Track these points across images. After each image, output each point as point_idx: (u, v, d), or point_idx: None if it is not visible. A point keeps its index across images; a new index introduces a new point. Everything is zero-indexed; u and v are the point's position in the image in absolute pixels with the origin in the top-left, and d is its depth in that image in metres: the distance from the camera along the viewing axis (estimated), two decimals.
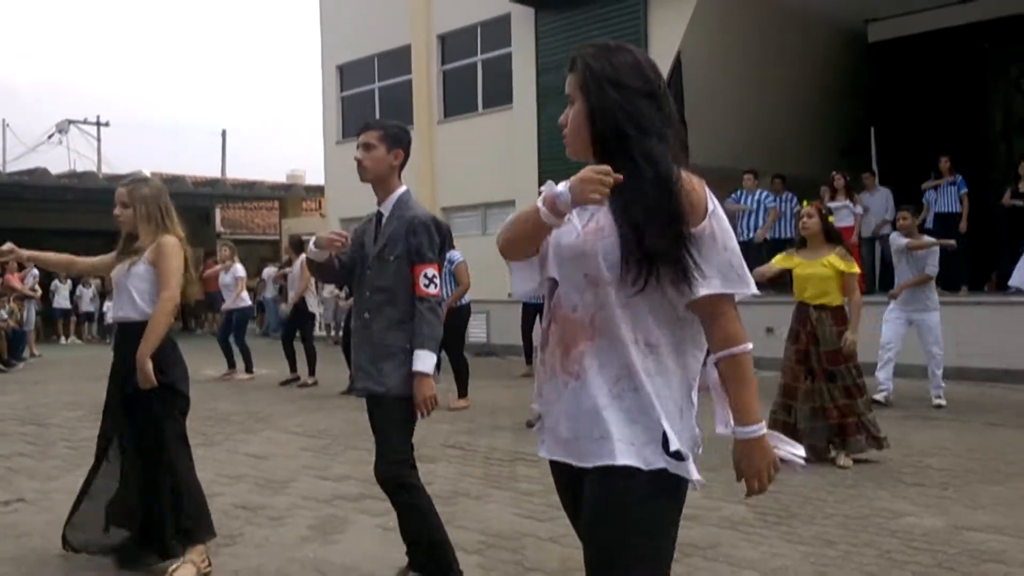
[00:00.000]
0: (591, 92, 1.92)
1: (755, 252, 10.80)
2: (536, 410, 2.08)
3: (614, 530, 1.86)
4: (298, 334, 10.97)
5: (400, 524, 3.42)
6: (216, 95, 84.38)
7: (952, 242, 8.19)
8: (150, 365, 3.69)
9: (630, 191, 1.83)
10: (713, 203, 1.89)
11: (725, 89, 13.01)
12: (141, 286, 3.84)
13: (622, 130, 1.88)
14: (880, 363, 8.15)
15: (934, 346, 8.03)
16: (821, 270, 5.85)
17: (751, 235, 11.77)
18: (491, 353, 13.86)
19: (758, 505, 4.71)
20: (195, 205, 22.73)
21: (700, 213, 1.86)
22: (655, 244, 1.80)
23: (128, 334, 3.83)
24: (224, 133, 34.02)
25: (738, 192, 12.22)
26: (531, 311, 10.79)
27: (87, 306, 20.11)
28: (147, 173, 12.45)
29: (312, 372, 10.70)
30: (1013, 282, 9.70)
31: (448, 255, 8.15)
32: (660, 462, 1.86)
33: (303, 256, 10.93)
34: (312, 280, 10.91)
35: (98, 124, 33.94)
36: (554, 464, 2.06)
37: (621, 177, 1.82)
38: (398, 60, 17.67)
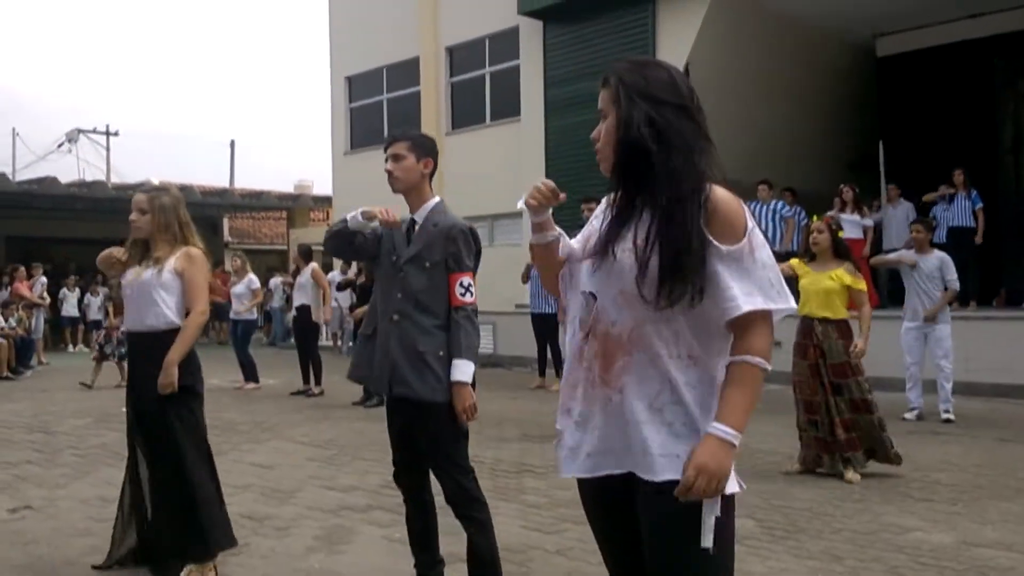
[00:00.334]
0: (622, 105, 1.91)
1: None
2: (559, 429, 2.05)
3: (672, 547, 1.86)
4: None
5: (470, 544, 3.33)
6: (225, 106, 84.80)
7: (912, 261, 7.90)
8: (176, 371, 3.72)
9: (650, 212, 1.85)
10: (752, 221, 1.89)
11: (734, 102, 13.02)
12: (168, 296, 3.84)
13: (645, 144, 1.86)
14: (908, 383, 8.17)
15: (943, 359, 8.01)
16: (828, 283, 5.84)
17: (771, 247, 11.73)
18: (497, 364, 13.85)
19: (766, 520, 4.69)
20: (203, 215, 22.81)
21: (738, 231, 1.86)
22: (673, 263, 1.80)
23: (149, 344, 3.82)
24: (233, 143, 34.31)
25: (754, 203, 12.19)
26: (541, 321, 10.81)
27: (95, 314, 20.11)
28: (156, 182, 12.48)
29: (318, 382, 10.71)
30: None
31: None
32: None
33: (312, 264, 11.03)
34: (324, 290, 10.96)
35: (107, 133, 34.13)
36: (586, 481, 2.02)
37: (563, 196, 1.96)
38: (407, 72, 17.76)
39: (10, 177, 22.15)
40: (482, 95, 16.62)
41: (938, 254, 8.04)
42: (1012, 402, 9.13)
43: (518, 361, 13.39)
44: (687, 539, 1.84)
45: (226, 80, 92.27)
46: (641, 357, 1.89)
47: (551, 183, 2.03)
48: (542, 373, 11.15)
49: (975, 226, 11.25)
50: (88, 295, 19.94)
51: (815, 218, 6.43)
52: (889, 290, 11.49)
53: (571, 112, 14.04)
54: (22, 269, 15.63)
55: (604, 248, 1.94)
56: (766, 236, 7.70)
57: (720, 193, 1.87)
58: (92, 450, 7.07)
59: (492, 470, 6.13)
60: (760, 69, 13.60)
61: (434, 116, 16.70)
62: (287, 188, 26.74)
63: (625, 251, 1.88)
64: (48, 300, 16.30)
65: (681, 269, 1.81)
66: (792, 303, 1.90)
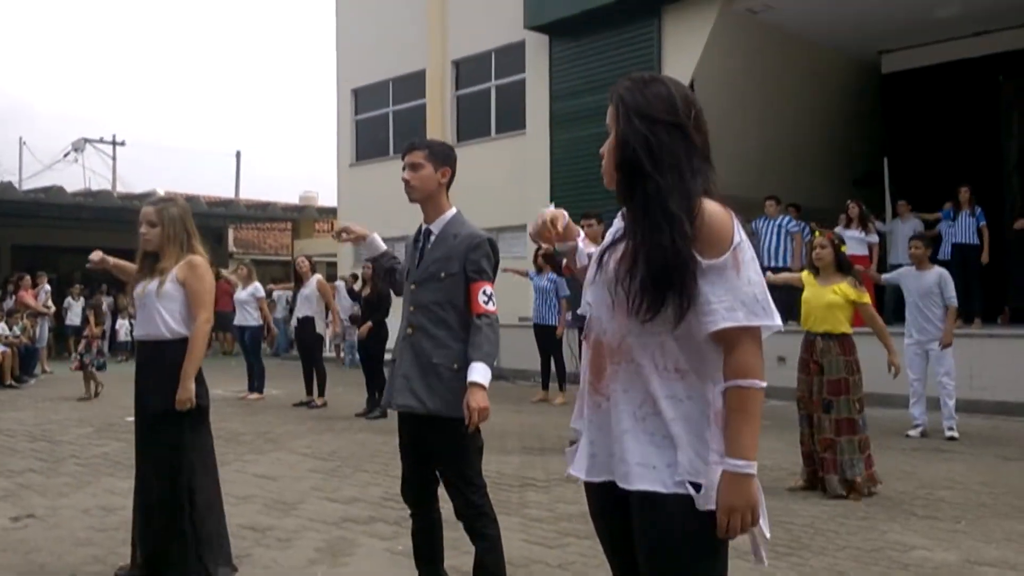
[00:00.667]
0: (620, 123, 1.97)
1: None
2: (576, 429, 2.10)
3: (657, 557, 1.89)
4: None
5: (478, 561, 3.28)
6: (231, 116, 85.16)
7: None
8: (193, 386, 3.75)
9: (639, 227, 1.90)
10: (740, 236, 1.89)
11: (738, 117, 13.06)
12: (171, 306, 3.87)
13: (639, 162, 1.91)
14: (912, 399, 8.16)
15: (945, 376, 7.99)
16: (831, 296, 5.84)
17: (772, 262, 11.69)
18: (500, 377, 13.84)
19: (767, 536, 4.67)
20: (208, 225, 22.87)
21: (723, 245, 1.87)
22: (659, 278, 1.84)
23: (155, 353, 3.86)
24: (239, 154, 34.32)
25: (761, 218, 12.18)
26: (543, 333, 10.82)
27: None
28: (162, 192, 12.55)
29: (322, 393, 10.71)
30: None
31: None
32: (679, 488, 1.86)
33: (316, 276, 11.06)
34: (327, 303, 10.98)
35: (114, 143, 34.30)
36: (589, 485, 2.06)
37: (555, 233, 2.26)
38: (413, 85, 17.84)
39: (16, 186, 22.26)
40: (488, 108, 16.70)
41: (937, 270, 8.01)
42: (1016, 420, 9.09)
43: (521, 374, 13.38)
44: (672, 551, 1.87)
45: (233, 91, 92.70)
46: (627, 367, 1.94)
47: (553, 218, 2.32)
48: (545, 386, 11.15)
49: (979, 243, 11.23)
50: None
51: (817, 233, 6.43)
52: (894, 308, 11.47)
53: (576, 125, 14.09)
54: (27, 278, 15.66)
55: (600, 259, 2.01)
56: (774, 251, 7.74)
57: (709, 207, 1.89)
58: (94, 459, 7.07)
59: (494, 483, 6.09)
60: (765, 85, 13.65)
61: (440, 128, 16.76)
62: (292, 199, 26.82)
63: (616, 263, 1.93)
64: (53, 309, 16.32)
65: (668, 285, 1.84)
66: (778, 320, 1.90)
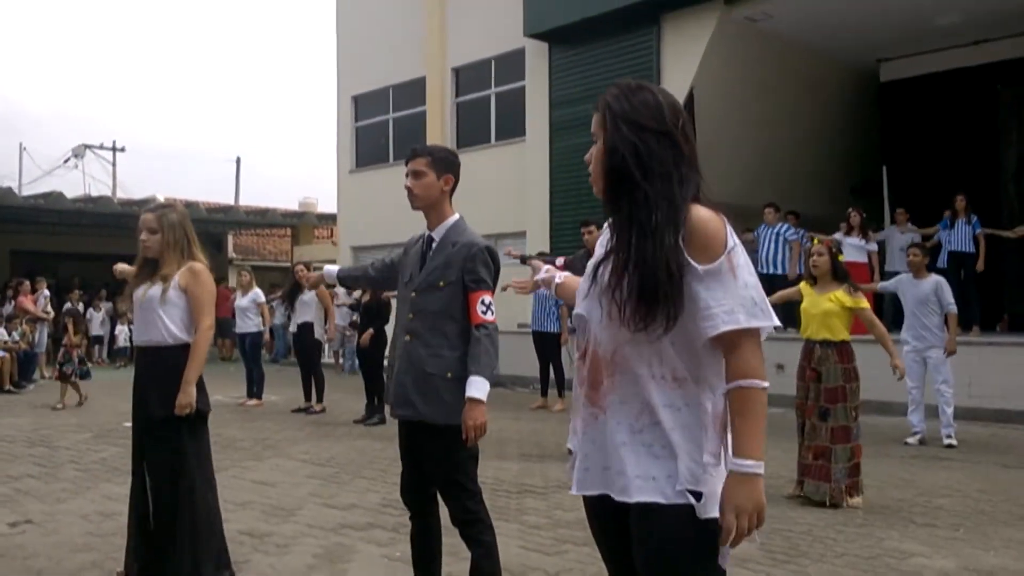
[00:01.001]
0: (608, 130, 1.96)
1: (780, 285, 10.76)
2: (571, 449, 2.08)
3: (656, 567, 1.88)
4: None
5: (474, 567, 3.29)
6: (231, 123, 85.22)
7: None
8: (194, 391, 3.75)
9: (627, 236, 1.90)
10: (733, 240, 1.90)
11: (737, 125, 13.09)
12: (173, 312, 3.86)
13: (627, 171, 1.91)
14: (911, 407, 8.17)
15: (943, 384, 8.00)
16: (828, 305, 5.85)
17: (771, 269, 11.69)
18: (499, 384, 13.84)
19: (767, 543, 4.68)
20: (208, 231, 22.91)
21: (716, 249, 1.87)
22: (648, 287, 1.84)
23: (156, 358, 3.86)
24: (238, 160, 34.28)
25: (761, 226, 12.19)
26: (542, 340, 10.82)
27: (97, 329, 20.18)
28: (161, 198, 12.53)
29: (320, 399, 10.70)
30: None
31: None
32: (678, 498, 1.85)
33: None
34: (326, 308, 10.98)
35: (114, 149, 34.30)
36: (587, 499, 2.05)
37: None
38: (413, 92, 17.88)
39: (16, 192, 22.26)
40: (487, 115, 16.73)
41: (934, 278, 8.04)
42: (1015, 428, 9.10)
43: (519, 380, 13.38)
44: (672, 561, 1.86)
45: (233, 97, 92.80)
46: (623, 378, 1.93)
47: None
48: (544, 393, 11.15)
49: (975, 251, 11.27)
50: (91, 310, 19.98)
51: (815, 241, 6.44)
52: (893, 314, 11.48)
53: (575, 133, 14.11)
54: (26, 283, 15.67)
55: (593, 271, 2.00)
56: (772, 259, 7.79)
57: (699, 213, 1.89)
58: (93, 465, 7.07)
59: (492, 490, 6.11)
60: (764, 93, 13.68)
61: (439, 136, 16.79)
62: (292, 205, 26.84)
63: (607, 274, 1.93)
64: (52, 314, 16.30)
65: (655, 293, 1.83)
66: (775, 320, 1.90)
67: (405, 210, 3.60)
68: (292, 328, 11.24)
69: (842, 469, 5.64)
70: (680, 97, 11.95)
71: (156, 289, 3.87)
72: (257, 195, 73.06)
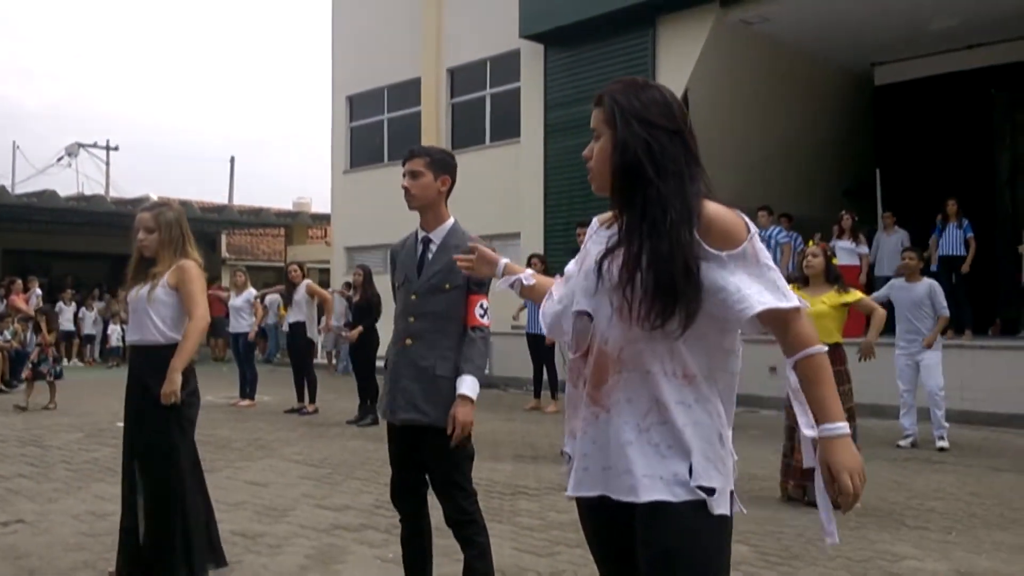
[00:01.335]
0: (618, 126, 1.93)
1: None
2: (566, 453, 2.04)
3: (667, 566, 1.84)
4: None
5: (467, 568, 3.28)
6: (225, 122, 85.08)
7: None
8: (180, 379, 3.73)
9: (639, 233, 1.86)
10: (752, 227, 1.90)
11: (731, 128, 13.11)
12: (163, 311, 3.85)
13: (641, 169, 1.88)
14: (902, 410, 8.20)
15: (935, 386, 8.02)
16: (820, 307, 5.86)
17: None
18: (492, 385, 13.83)
19: (760, 545, 4.68)
20: (202, 231, 22.86)
21: (739, 236, 1.87)
22: (664, 285, 1.81)
23: (146, 357, 3.85)
24: (232, 160, 34.30)
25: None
26: (537, 342, 10.82)
27: (89, 329, 20.13)
28: (155, 197, 12.51)
29: (312, 399, 10.68)
30: None
31: None
32: (689, 495, 1.83)
33: (306, 281, 11.02)
34: (320, 299, 10.97)
35: (107, 148, 34.22)
36: (581, 501, 2.01)
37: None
38: (407, 92, 17.89)
39: (9, 190, 22.18)
40: (482, 116, 16.75)
41: (927, 281, 8.08)
42: (1007, 431, 9.13)
43: (513, 382, 13.38)
44: (683, 559, 1.83)
45: (227, 97, 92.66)
46: (632, 376, 1.89)
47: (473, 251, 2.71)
48: (537, 395, 11.15)
49: (967, 255, 11.32)
50: (83, 309, 19.93)
51: (811, 243, 6.45)
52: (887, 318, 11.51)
53: (570, 135, 14.12)
54: (19, 282, 15.62)
55: (598, 267, 1.95)
56: None
57: (712, 208, 1.88)
58: (84, 465, 7.05)
59: (486, 491, 6.10)
60: (758, 95, 13.71)
61: (434, 136, 16.80)
62: (286, 205, 26.81)
63: (618, 271, 1.89)
64: None
65: (673, 290, 1.81)
66: (796, 303, 1.89)
67: (399, 210, 3.60)
68: (284, 327, 11.20)
69: None
70: None
71: (146, 289, 3.87)
72: (251, 195, 72.98)
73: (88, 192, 26.95)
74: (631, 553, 1.93)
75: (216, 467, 6.90)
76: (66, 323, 19.41)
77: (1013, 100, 13.70)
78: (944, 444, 7.96)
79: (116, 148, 34.77)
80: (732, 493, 1.90)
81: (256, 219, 24.32)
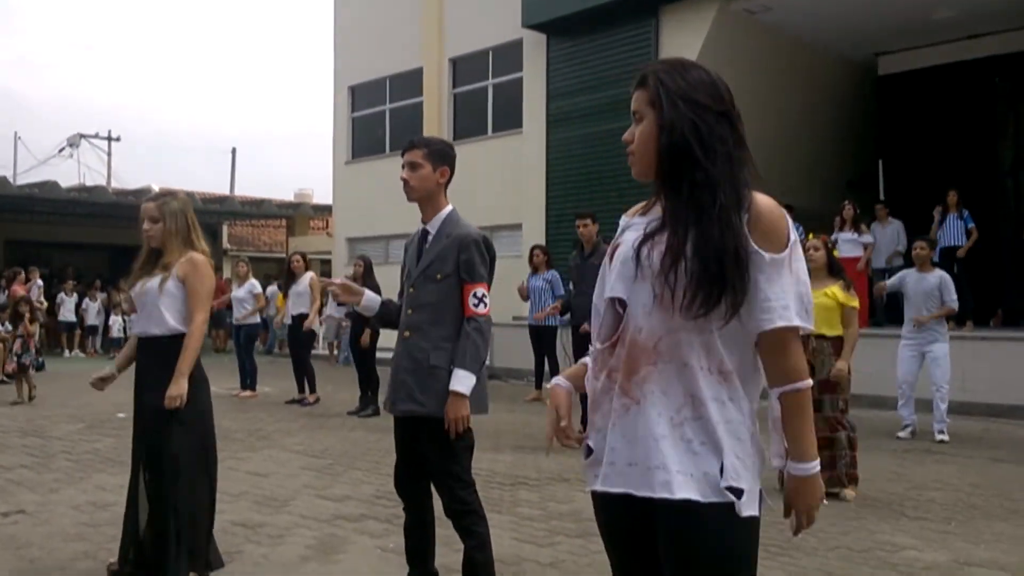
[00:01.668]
0: (663, 107, 1.84)
1: None
2: (589, 446, 1.96)
3: (692, 567, 1.80)
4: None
5: (467, 558, 3.29)
6: (227, 113, 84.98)
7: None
8: (186, 383, 3.72)
9: (685, 218, 1.79)
10: (794, 233, 1.84)
11: None
12: (171, 303, 3.82)
13: (689, 150, 1.80)
14: (901, 400, 8.20)
15: (941, 379, 8.00)
16: (824, 299, 5.85)
17: None
18: (494, 376, 13.85)
19: (761, 536, 4.67)
20: (203, 222, 22.60)
21: (782, 240, 1.80)
22: (713, 270, 1.74)
23: (157, 349, 3.83)
24: (234, 151, 34.28)
25: None
26: (538, 333, 10.82)
27: (92, 320, 20.14)
28: (156, 188, 12.50)
29: (312, 390, 10.69)
30: None
31: None
32: (718, 497, 1.78)
33: (309, 273, 11.01)
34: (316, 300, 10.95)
35: (109, 139, 34.24)
36: (605, 497, 1.92)
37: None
38: (410, 82, 17.84)
39: (11, 181, 22.18)
40: (485, 106, 16.71)
41: (939, 273, 8.04)
42: (1007, 422, 9.13)
43: (514, 373, 13.39)
44: (710, 560, 1.79)
45: (229, 88, 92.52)
46: (667, 368, 1.82)
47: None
48: (538, 386, 11.16)
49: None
50: (87, 300, 19.94)
51: (810, 236, 6.44)
52: (884, 306, 11.49)
53: (573, 125, 14.10)
54: (21, 273, 15.63)
55: (636, 254, 1.86)
56: None
57: (763, 200, 1.82)
58: (85, 455, 7.06)
59: (486, 482, 6.11)
60: (761, 86, 13.65)
61: (436, 127, 16.77)
62: (287, 196, 26.81)
63: (660, 257, 1.80)
64: (45, 304, 16.26)
65: (722, 278, 1.74)
66: (811, 325, 1.85)
67: (401, 202, 3.58)
68: (287, 320, 11.18)
69: (843, 456, 5.67)
70: None
71: (155, 281, 3.84)
72: (252, 186, 72.87)
73: (90, 183, 26.98)
74: (648, 550, 1.89)
75: (218, 458, 6.90)
76: (68, 314, 19.45)
77: (1016, 90, 13.66)
78: (944, 437, 7.95)
79: (118, 139, 34.87)
80: (760, 492, 1.86)
81: (258, 210, 24.31)
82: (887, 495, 5.79)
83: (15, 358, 11.05)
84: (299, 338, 10.89)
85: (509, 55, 15.85)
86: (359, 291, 3.39)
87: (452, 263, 3.29)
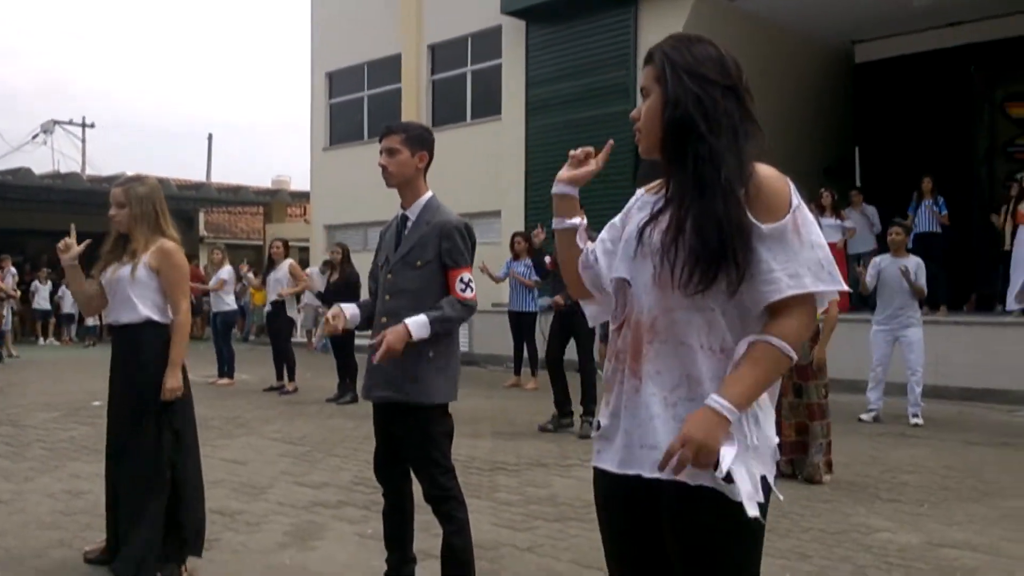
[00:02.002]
0: (668, 82, 1.82)
1: None
2: (599, 422, 1.95)
3: (696, 554, 1.79)
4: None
5: (446, 543, 3.28)
6: (203, 99, 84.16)
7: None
8: (180, 378, 3.71)
9: (686, 193, 1.77)
10: (798, 198, 1.80)
11: None
12: (145, 292, 3.79)
13: (693, 124, 1.78)
14: (871, 384, 8.27)
15: (916, 363, 8.08)
16: None
17: None
18: (472, 362, 13.85)
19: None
20: (179, 209, 22.61)
21: (781, 208, 1.76)
22: (713, 245, 1.71)
23: (128, 337, 3.80)
24: (210, 137, 33.92)
25: None
26: (518, 319, 10.84)
27: (68, 308, 19.93)
28: (130, 175, 12.28)
29: (292, 378, 10.64)
30: (1011, 306, 9.84)
31: None
32: (706, 480, 1.73)
33: (288, 260, 10.95)
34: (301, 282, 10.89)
35: (83, 125, 33.79)
36: (613, 477, 1.88)
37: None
38: (388, 69, 17.73)
39: None
40: (463, 93, 16.65)
41: (914, 259, 8.12)
42: (980, 406, 9.25)
43: (493, 359, 13.40)
44: (713, 546, 1.78)
45: (205, 74, 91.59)
46: (664, 347, 1.80)
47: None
48: (517, 372, 11.18)
49: (941, 232, 11.41)
50: (62, 288, 19.71)
51: None
52: (858, 292, 11.59)
53: (552, 112, 14.08)
54: None
55: (640, 234, 1.85)
56: None
57: (764, 170, 1.80)
58: (61, 444, 7.00)
59: (464, 467, 6.11)
60: None
61: (415, 113, 16.68)
62: (265, 183, 26.60)
63: (661, 233, 1.79)
64: (18, 292, 16.08)
65: (721, 254, 1.71)
66: (843, 284, 1.79)
67: (379, 188, 3.56)
68: (267, 308, 11.13)
69: (819, 446, 5.72)
70: None
71: (125, 269, 3.80)
72: (229, 172, 72.26)
73: (64, 170, 26.63)
74: (645, 530, 1.87)
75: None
76: (42, 302, 19.24)
77: (991, 78, 13.77)
78: (919, 421, 8.04)
79: (92, 125, 34.42)
80: (763, 478, 1.79)
81: (235, 197, 24.09)
82: (862, 478, 5.86)
83: None
84: (278, 326, 10.84)
85: (488, 42, 15.79)
86: (343, 316, 3.34)
87: (433, 250, 3.27)
